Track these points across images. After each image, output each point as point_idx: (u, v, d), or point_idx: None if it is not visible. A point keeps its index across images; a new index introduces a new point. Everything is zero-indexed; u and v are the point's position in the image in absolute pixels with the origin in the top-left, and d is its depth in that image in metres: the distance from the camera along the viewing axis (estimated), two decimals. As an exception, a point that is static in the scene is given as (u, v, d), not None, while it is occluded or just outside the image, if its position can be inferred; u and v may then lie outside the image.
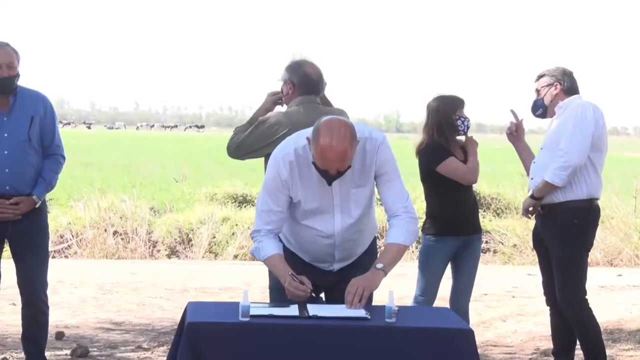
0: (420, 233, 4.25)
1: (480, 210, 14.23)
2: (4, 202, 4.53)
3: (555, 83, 4.81)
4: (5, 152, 4.55)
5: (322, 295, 3.94)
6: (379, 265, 3.59)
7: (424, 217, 5.14)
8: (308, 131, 3.60)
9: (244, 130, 4.56)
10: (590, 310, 4.82)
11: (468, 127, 4.99)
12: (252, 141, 4.49)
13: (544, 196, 4.74)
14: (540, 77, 4.90)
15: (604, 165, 4.85)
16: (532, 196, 4.79)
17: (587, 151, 4.64)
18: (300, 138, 3.65)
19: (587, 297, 4.82)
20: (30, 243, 4.69)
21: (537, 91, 4.90)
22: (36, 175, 4.66)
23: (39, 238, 4.76)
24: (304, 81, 4.46)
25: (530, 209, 4.85)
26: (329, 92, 4.70)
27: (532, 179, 4.88)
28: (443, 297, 5.17)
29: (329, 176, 3.50)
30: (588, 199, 4.74)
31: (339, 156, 3.43)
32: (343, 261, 3.85)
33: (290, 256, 3.76)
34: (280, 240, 3.77)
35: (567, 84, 4.81)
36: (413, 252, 10.68)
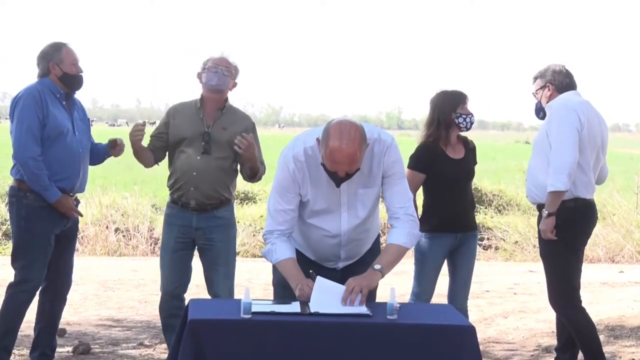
0: None
1: (481, 207, 14.37)
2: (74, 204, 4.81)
3: (547, 84, 4.81)
4: (80, 150, 4.77)
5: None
6: (377, 267, 3.59)
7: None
8: (317, 131, 3.60)
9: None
10: (579, 308, 4.79)
11: (471, 123, 4.94)
12: None
13: (556, 206, 4.62)
14: (534, 80, 4.90)
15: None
16: (549, 214, 4.64)
17: (577, 146, 4.58)
18: (309, 137, 3.64)
19: (578, 295, 4.79)
20: (72, 237, 4.97)
21: (534, 94, 4.91)
22: None
23: (76, 233, 5.07)
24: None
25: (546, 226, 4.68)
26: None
27: (526, 179, 4.92)
28: (441, 294, 5.16)
29: (338, 178, 3.50)
30: (572, 198, 4.68)
31: (347, 159, 3.43)
32: (348, 260, 3.86)
33: (295, 254, 3.76)
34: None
35: (558, 82, 4.79)
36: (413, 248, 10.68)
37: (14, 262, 4.75)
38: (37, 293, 4.90)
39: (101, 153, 5.01)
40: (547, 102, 4.82)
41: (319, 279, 3.51)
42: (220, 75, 4.81)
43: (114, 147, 4.97)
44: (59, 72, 4.67)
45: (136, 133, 4.80)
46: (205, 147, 4.77)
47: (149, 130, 5.02)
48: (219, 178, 4.81)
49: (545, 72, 4.83)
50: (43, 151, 4.58)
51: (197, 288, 8.41)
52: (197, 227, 4.83)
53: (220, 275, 4.87)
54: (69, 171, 4.69)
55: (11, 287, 4.74)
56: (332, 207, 3.70)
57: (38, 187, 4.60)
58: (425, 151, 4.92)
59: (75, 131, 4.73)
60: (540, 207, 4.77)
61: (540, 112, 4.91)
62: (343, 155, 3.42)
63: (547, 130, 4.69)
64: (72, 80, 4.72)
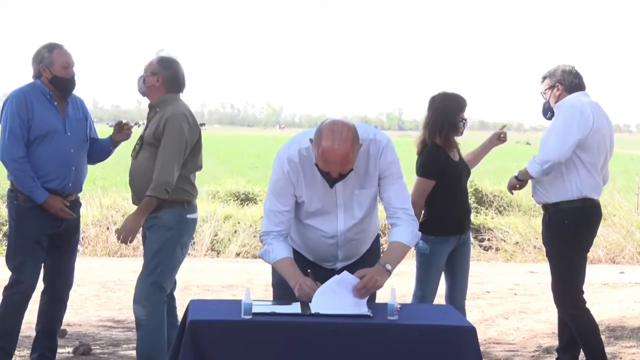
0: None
1: (482, 207, 14.37)
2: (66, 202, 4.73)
3: (557, 84, 4.80)
4: (72, 150, 4.71)
5: None
6: (389, 267, 3.56)
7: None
8: (313, 131, 3.59)
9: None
10: (583, 309, 4.80)
11: (464, 128, 4.98)
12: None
13: (526, 179, 4.86)
14: (543, 79, 4.89)
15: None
16: (516, 177, 4.90)
17: (567, 149, 4.59)
18: (304, 138, 3.64)
19: (583, 295, 4.80)
20: (70, 239, 4.93)
21: (542, 94, 4.90)
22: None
23: (76, 235, 5.04)
24: (175, 79, 4.62)
25: (517, 186, 4.98)
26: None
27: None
28: (439, 294, 5.16)
29: (331, 178, 3.50)
30: (580, 199, 4.69)
31: (340, 159, 3.42)
32: (346, 260, 3.85)
33: (294, 254, 3.76)
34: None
35: (568, 83, 4.79)
36: (413, 249, 10.69)
37: (7, 262, 4.76)
38: (39, 294, 4.90)
39: (105, 147, 4.95)
40: (555, 102, 4.81)
41: (319, 286, 3.50)
42: (139, 79, 4.70)
43: (119, 132, 4.90)
44: (49, 75, 4.66)
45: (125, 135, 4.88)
46: (135, 149, 4.67)
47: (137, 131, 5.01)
48: (147, 178, 4.54)
49: (554, 72, 4.83)
50: (30, 152, 4.57)
51: (197, 289, 8.45)
52: (144, 226, 4.70)
53: (140, 275, 4.72)
54: (57, 171, 4.65)
55: (6, 289, 4.74)
56: (328, 207, 3.70)
57: (23, 188, 4.59)
58: (436, 157, 4.82)
59: (67, 131, 4.69)
60: (546, 206, 4.77)
61: (548, 112, 4.89)
62: (335, 155, 3.42)
63: (552, 128, 4.71)
64: (61, 84, 4.68)
